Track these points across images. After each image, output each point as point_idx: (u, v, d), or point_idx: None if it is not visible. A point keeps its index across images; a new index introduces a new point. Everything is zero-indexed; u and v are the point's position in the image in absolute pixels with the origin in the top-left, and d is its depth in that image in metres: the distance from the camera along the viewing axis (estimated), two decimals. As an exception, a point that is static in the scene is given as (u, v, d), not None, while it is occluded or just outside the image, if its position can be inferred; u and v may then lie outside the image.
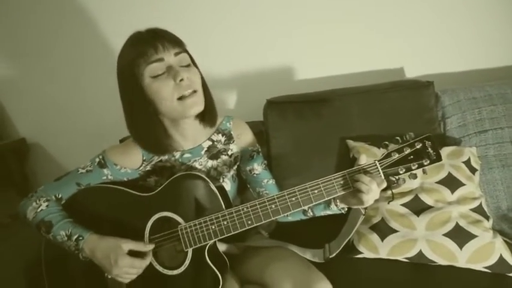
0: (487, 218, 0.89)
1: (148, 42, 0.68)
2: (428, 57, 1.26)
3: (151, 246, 0.71)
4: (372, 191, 0.63)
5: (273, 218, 0.68)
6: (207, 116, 0.77)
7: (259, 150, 0.88)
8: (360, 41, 1.25)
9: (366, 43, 1.25)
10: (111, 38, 1.27)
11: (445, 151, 0.99)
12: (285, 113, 1.11)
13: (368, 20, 1.23)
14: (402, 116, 1.09)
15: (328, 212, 0.78)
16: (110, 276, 0.72)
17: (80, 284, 0.77)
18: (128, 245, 0.69)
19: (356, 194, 0.66)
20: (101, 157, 0.78)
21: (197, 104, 0.71)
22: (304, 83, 1.30)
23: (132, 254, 0.69)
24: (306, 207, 0.79)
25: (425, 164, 0.63)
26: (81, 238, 0.70)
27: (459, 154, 0.98)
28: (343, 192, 0.66)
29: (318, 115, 1.10)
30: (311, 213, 0.81)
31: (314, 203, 0.67)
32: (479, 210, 0.90)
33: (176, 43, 0.70)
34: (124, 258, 0.67)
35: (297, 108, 1.11)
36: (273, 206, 0.67)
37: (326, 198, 0.66)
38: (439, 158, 0.63)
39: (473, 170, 0.96)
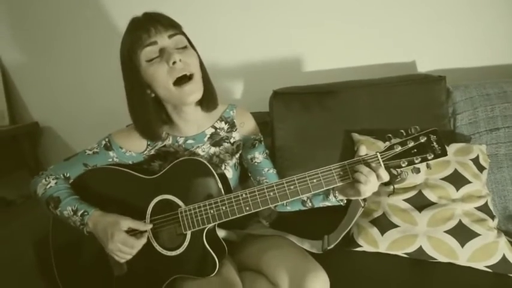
0: (492, 217, 0.87)
1: (143, 27, 0.68)
2: (442, 52, 1.22)
3: (149, 226, 0.73)
4: (370, 182, 0.63)
5: (271, 205, 0.69)
6: (206, 101, 0.77)
7: (262, 139, 0.88)
8: (371, 33, 1.22)
9: (377, 35, 1.22)
10: (123, 24, 1.29)
11: (453, 148, 0.97)
12: (291, 104, 1.11)
13: (380, 12, 1.20)
14: (411, 111, 1.07)
15: (327, 204, 0.78)
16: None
17: (84, 260, 0.80)
18: (127, 222, 0.71)
19: (354, 185, 0.65)
20: (107, 140, 0.80)
21: (194, 92, 0.71)
22: (312, 74, 1.28)
23: (131, 233, 0.72)
24: (304, 197, 0.79)
25: (429, 158, 0.62)
26: (86, 213, 0.73)
27: (467, 151, 0.96)
28: (342, 183, 0.66)
29: (324, 107, 1.09)
30: (310, 204, 0.81)
31: (312, 192, 0.67)
32: (484, 209, 0.88)
33: (170, 25, 0.70)
34: (119, 234, 0.70)
35: (302, 99, 1.10)
36: (271, 194, 0.68)
37: (325, 188, 0.66)
38: (444, 153, 0.61)
39: (481, 168, 0.94)
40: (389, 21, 1.20)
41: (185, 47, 0.72)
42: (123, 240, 0.70)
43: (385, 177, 0.64)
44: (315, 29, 1.23)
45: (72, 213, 0.74)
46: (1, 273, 0.90)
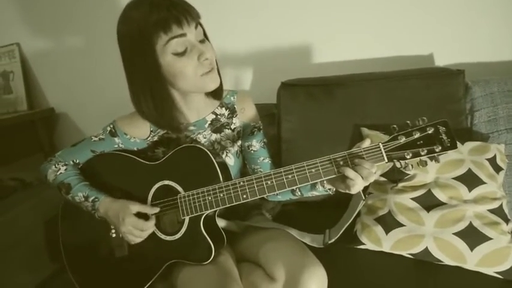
0: (507, 221, 0.82)
1: (170, 13, 0.62)
2: (461, 45, 1.14)
3: (156, 209, 0.75)
4: (357, 179, 0.61)
5: (268, 194, 0.68)
6: (216, 90, 0.76)
7: (261, 127, 0.87)
8: (386, 23, 1.16)
9: (393, 26, 1.16)
10: None
11: (468, 146, 0.92)
12: (299, 96, 1.08)
13: (396, 2, 1.14)
14: (425, 106, 1.01)
15: (315, 193, 0.77)
16: (114, 236, 0.79)
17: (87, 239, 0.83)
18: (135, 207, 0.74)
19: (344, 180, 0.64)
20: (111, 126, 0.81)
21: (215, 81, 0.71)
22: (323, 66, 1.24)
23: (139, 216, 0.74)
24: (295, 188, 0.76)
25: (436, 150, 0.58)
26: (96, 200, 0.76)
27: (484, 150, 0.90)
28: (340, 174, 0.64)
29: (332, 100, 1.06)
30: (299, 194, 0.81)
31: (310, 182, 0.65)
32: (498, 211, 0.83)
33: (196, 15, 0.67)
34: (130, 217, 0.73)
35: (311, 91, 1.07)
36: (269, 182, 0.67)
37: (323, 178, 0.64)
38: (453, 145, 0.57)
39: (497, 169, 0.88)
40: (406, 12, 1.14)
41: (203, 40, 0.70)
42: (134, 223, 0.73)
43: (373, 177, 0.62)
44: (327, 18, 1.18)
45: (83, 199, 0.77)
46: (11, 250, 0.95)
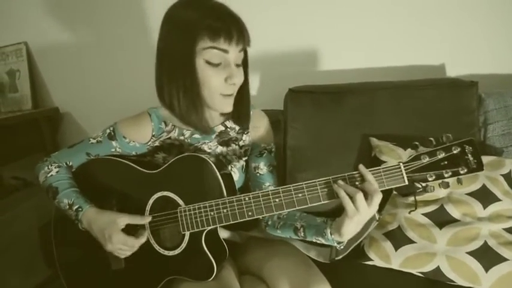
0: (524, 241, 0.78)
1: (225, 25, 0.62)
2: (474, 56, 1.12)
3: (148, 219, 0.71)
4: (356, 201, 0.55)
5: (275, 213, 0.63)
6: (240, 116, 0.75)
7: (272, 149, 0.83)
8: (398, 32, 1.13)
9: (404, 35, 1.13)
10: (150, 19, 1.28)
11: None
12: (306, 103, 1.05)
13: (408, 10, 1.11)
14: (436, 117, 0.98)
15: (321, 240, 0.67)
16: None
17: (83, 250, 0.79)
18: (124, 219, 0.69)
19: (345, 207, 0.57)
20: (111, 128, 0.77)
21: (230, 106, 0.70)
22: (332, 74, 1.21)
23: (129, 231, 0.69)
24: (298, 225, 0.71)
25: (461, 172, 0.54)
26: (80, 209, 0.71)
27: (499, 165, 0.87)
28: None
29: (341, 108, 1.03)
30: (302, 234, 0.70)
31: (322, 202, 0.61)
32: (514, 231, 0.79)
33: (247, 41, 0.67)
34: (118, 235, 0.67)
35: (318, 99, 1.04)
36: (277, 200, 0.62)
37: (337, 198, 0.60)
38: (480, 167, 0.54)
39: (513, 186, 0.85)
40: (418, 21, 1.12)
41: (240, 65, 0.69)
42: (123, 241, 0.68)
43: (379, 197, 0.55)
44: (336, 26, 1.16)
45: (67, 206, 0.72)
46: (6, 251, 0.92)
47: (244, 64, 0.72)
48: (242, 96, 0.73)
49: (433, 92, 0.99)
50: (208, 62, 0.64)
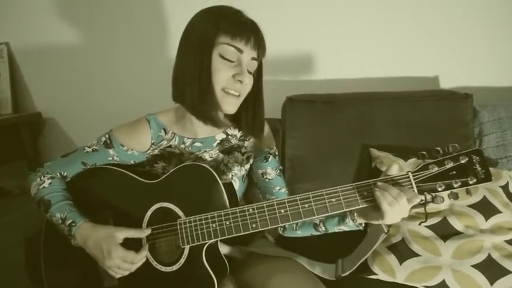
0: (525, 253, 0.79)
1: (245, 30, 0.65)
2: (467, 68, 1.15)
3: (147, 232, 0.66)
4: (397, 204, 0.54)
5: (281, 224, 0.61)
6: (256, 129, 0.74)
7: (276, 153, 0.81)
8: (393, 43, 1.15)
9: (400, 47, 1.15)
10: (141, 24, 1.24)
11: (480, 172, 0.89)
12: (305, 112, 1.04)
13: (404, 23, 1.13)
14: (434, 129, 0.99)
15: (343, 228, 0.70)
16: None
17: (74, 266, 0.73)
18: (122, 233, 0.64)
19: (379, 208, 0.57)
20: (107, 136, 0.73)
21: (233, 106, 0.69)
22: (330, 83, 1.21)
23: (128, 247, 0.64)
24: (317, 220, 0.71)
25: (470, 182, 0.53)
26: (73, 224, 0.66)
27: (497, 177, 0.88)
28: (365, 205, 0.58)
29: (340, 118, 1.02)
30: (323, 229, 0.73)
31: (330, 213, 0.59)
32: (516, 243, 0.79)
33: (262, 52, 0.69)
34: (117, 250, 0.63)
35: (318, 108, 1.03)
36: (282, 211, 0.60)
37: (345, 210, 0.58)
38: (488, 178, 0.53)
39: (511, 197, 0.85)
40: (414, 33, 1.14)
41: (252, 73, 0.70)
42: (123, 256, 0.63)
43: (416, 200, 0.56)
44: (335, 35, 1.17)
45: (60, 221, 0.67)
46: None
47: (258, 75, 0.73)
48: (259, 104, 0.74)
49: (430, 103, 1.00)
50: (222, 56, 0.65)
